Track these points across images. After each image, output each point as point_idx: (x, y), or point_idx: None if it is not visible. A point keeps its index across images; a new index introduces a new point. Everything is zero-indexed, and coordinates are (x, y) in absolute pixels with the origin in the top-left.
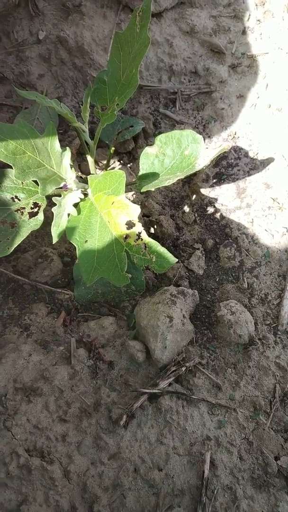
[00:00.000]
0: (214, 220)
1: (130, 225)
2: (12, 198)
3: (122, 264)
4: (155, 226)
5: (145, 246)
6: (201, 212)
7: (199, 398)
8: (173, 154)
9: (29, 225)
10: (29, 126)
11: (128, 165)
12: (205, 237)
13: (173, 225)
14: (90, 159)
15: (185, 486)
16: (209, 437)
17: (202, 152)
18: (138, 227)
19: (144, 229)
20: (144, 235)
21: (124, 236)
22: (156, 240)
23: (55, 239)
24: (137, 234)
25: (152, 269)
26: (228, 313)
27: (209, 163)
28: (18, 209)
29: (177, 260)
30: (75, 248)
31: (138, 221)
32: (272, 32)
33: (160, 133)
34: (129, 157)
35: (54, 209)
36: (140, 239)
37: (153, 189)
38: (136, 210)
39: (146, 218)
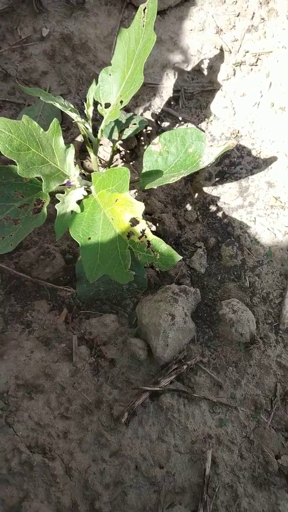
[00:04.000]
0: (216, 218)
1: (134, 222)
2: (15, 194)
3: (125, 261)
4: (157, 224)
5: (149, 244)
6: (203, 210)
7: (200, 396)
8: (177, 151)
9: (32, 221)
10: (34, 122)
11: (131, 163)
12: (207, 236)
13: (175, 223)
14: (93, 156)
15: (186, 483)
16: (210, 435)
17: (206, 150)
18: (142, 225)
19: (147, 226)
20: (148, 233)
21: (128, 233)
22: None
23: (58, 236)
24: (141, 232)
25: (156, 267)
26: (229, 312)
27: (213, 161)
28: (22, 206)
29: (181, 257)
30: (77, 245)
31: (142, 219)
32: (276, 31)
33: (162, 131)
34: (132, 154)
35: (57, 206)
36: (144, 236)
37: (155, 187)
38: (141, 207)
39: (148, 216)
